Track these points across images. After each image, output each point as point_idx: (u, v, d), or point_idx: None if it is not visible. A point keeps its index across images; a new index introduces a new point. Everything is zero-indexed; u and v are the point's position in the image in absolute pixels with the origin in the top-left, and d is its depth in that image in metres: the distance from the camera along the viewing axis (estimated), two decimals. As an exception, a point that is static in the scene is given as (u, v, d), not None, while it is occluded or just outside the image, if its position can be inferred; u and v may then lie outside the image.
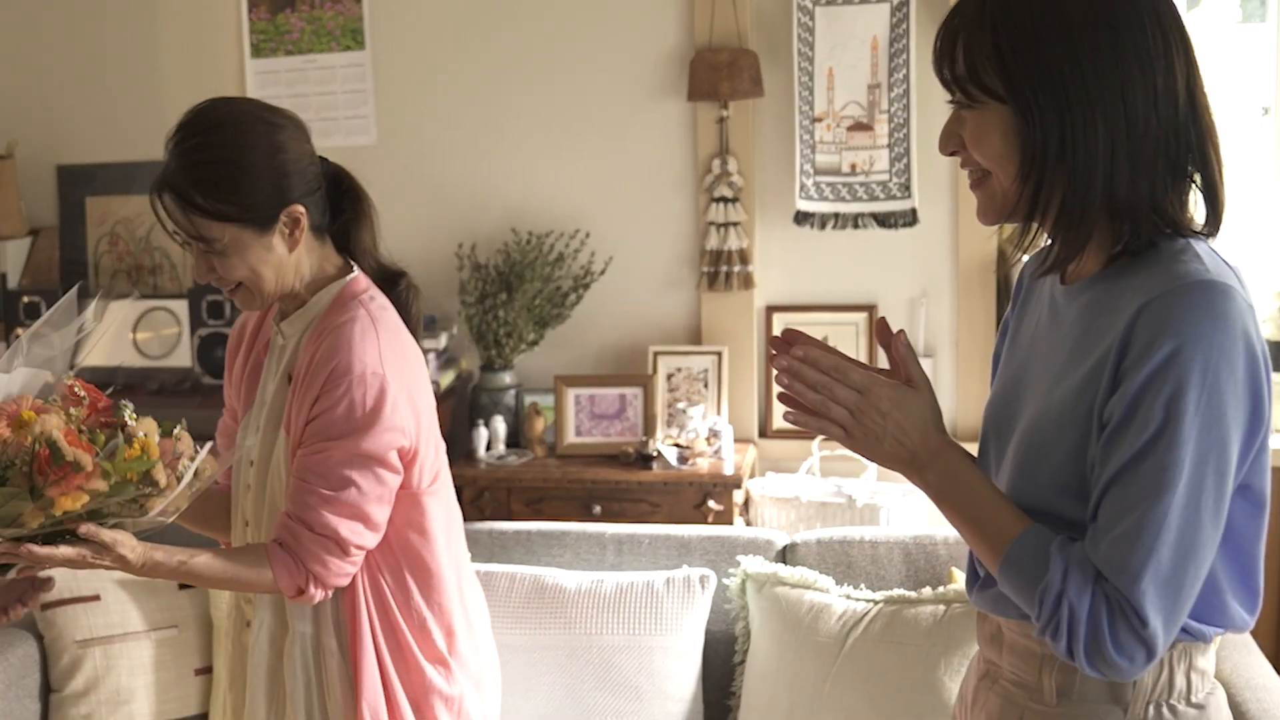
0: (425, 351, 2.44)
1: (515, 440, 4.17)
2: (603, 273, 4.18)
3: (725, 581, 3.25)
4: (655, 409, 4.05)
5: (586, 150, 4.24)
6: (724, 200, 4.08)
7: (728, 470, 3.83)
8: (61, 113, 4.58)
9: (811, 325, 4.07)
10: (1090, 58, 1.53)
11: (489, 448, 4.08)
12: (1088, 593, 1.51)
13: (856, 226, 4.06)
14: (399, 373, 2.22)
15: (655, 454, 3.91)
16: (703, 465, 3.87)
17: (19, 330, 4.32)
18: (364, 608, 2.27)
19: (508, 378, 4.18)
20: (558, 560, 3.38)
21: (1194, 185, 1.59)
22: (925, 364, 1.73)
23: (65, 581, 3.24)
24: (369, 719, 2.26)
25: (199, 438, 2.12)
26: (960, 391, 4.04)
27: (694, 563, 3.31)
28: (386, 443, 2.19)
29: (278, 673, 2.34)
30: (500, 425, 4.09)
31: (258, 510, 2.34)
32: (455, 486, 2.46)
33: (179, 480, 2.01)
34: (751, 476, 4.05)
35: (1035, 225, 1.66)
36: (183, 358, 4.33)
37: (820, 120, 4.03)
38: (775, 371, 1.68)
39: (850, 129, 4.02)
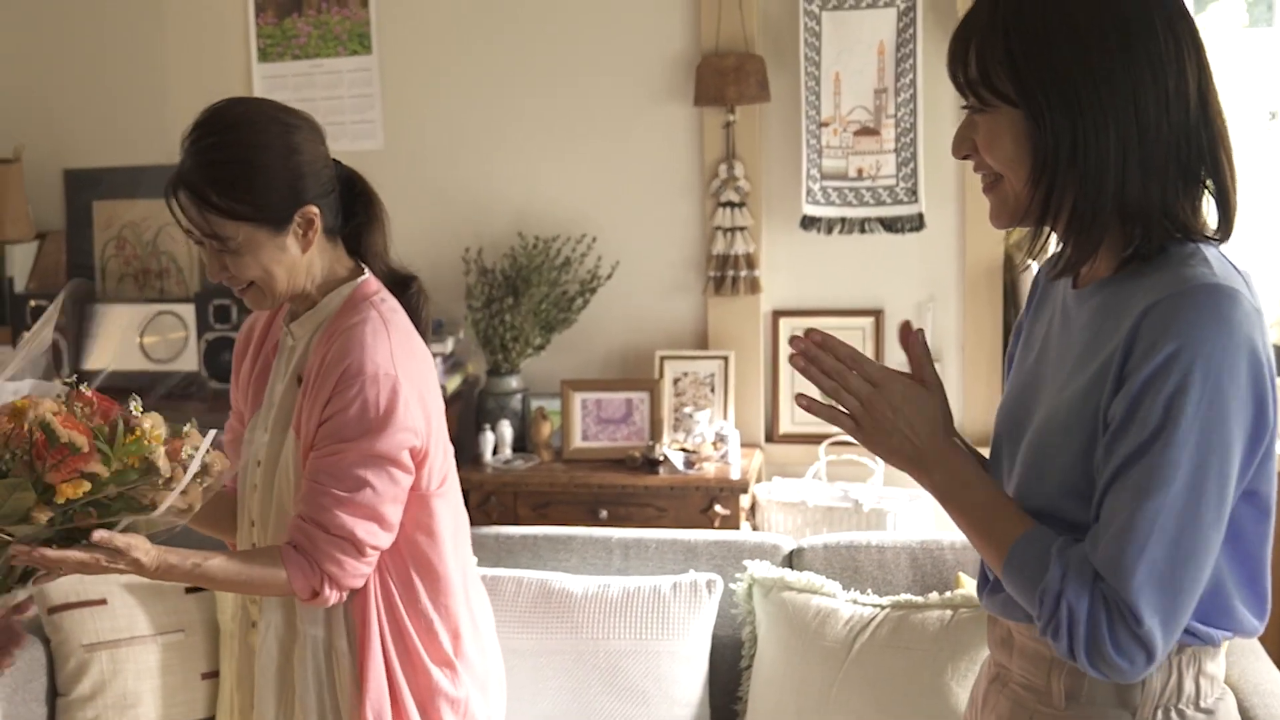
0: (432, 356, 2.44)
1: (522, 445, 4.16)
2: (609, 277, 4.18)
3: (732, 586, 3.25)
4: (662, 413, 4.05)
5: (593, 155, 4.24)
6: (730, 205, 4.07)
7: (734, 475, 3.83)
8: (68, 117, 4.59)
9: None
10: (1101, 62, 1.53)
11: (495, 452, 4.08)
12: (1086, 593, 1.51)
13: (863, 231, 4.06)
14: (411, 374, 2.23)
15: (662, 458, 3.90)
16: (709, 470, 3.86)
17: (26, 333, 4.32)
18: (374, 609, 2.28)
19: (514, 382, 4.18)
20: (564, 565, 3.38)
21: (1206, 190, 1.59)
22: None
23: (72, 585, 3.25)
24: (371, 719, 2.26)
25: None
26: (967, 395, 4.03)
27: (701, 567, 3.31)
28: (399, 443, 2.20)
29: (286, 675, 2.34)
30: (507, 430, 4.09)
31: (264, 511, 2.34)
32: (461, 491, 2.47)
33: (184, 470, 2.00)
34: (758, 481, 4.05)
35: (1047, 229, 1.67)
36: (189, 362, 4.33)
37: (827, 125, 4.03)
38: (792, 356, 1.69)
39: (857, 134, 4.01)
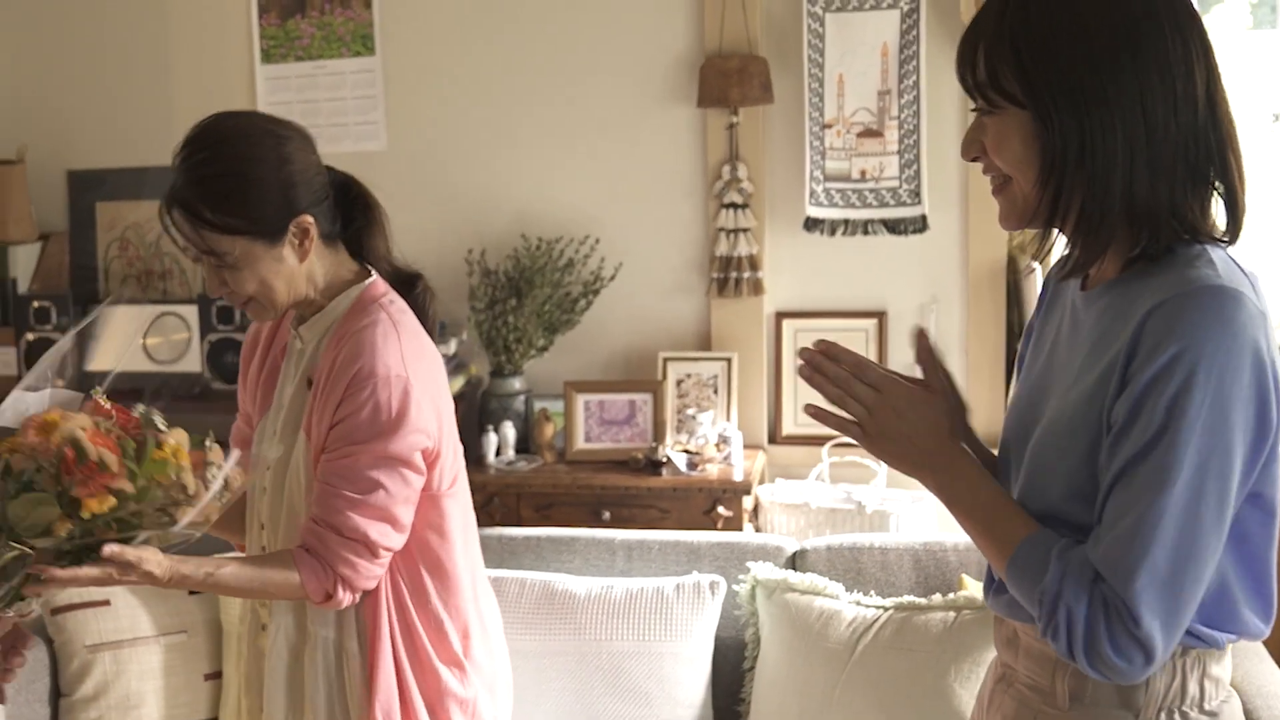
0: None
1: (525, 446, 4.16)
2: (612, 278, 4.18)
3: (735, 588, 3.25)
4: (665, 415, 4.05)
5: (596, 156, 4.24)
6: (734, 206, 4.07)
7: (737, 476, 3.83)
8: (72, 118, 4.59)
9: (821, 332, 4.07)
10: (1109, 63, 1.53)
11: (498, 453, 4.08)
12: (1084, 594, 1.51)
13: (866, 233, 4.06)
14: (422, 375, 2.23)
15: (664, 460, 3.90)
16: (712, 471, 3.86)
17: (29, 334, 4.33)
18: (384, 609, 2.28)
19: (517, 383, 4.18)
20: (567, 566, 3.38)
21: (1215, 191, 1.59)
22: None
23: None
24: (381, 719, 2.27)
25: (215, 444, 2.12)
26: (971, 397, 3.97)
27: (704, 569, 3.31)
28: (412, 444, 2.20)
29: (296, 676, 2.34)
30: (510, 431, 4.09)
31: (274, 513, 2.34)
32: (468, 490, 2.47)
33: (207, 488, 2.01)
34: (761, 483, 4.05)
35: (1055, 231, 1.67)
36: (193, 363, 4.33)
37: (830, 126, 4.03)
38: (799, 362, 1.70)
39: (860, 135, 4.01)
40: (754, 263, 4.09)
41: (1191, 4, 1.59)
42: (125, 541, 1.99)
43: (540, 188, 4.27)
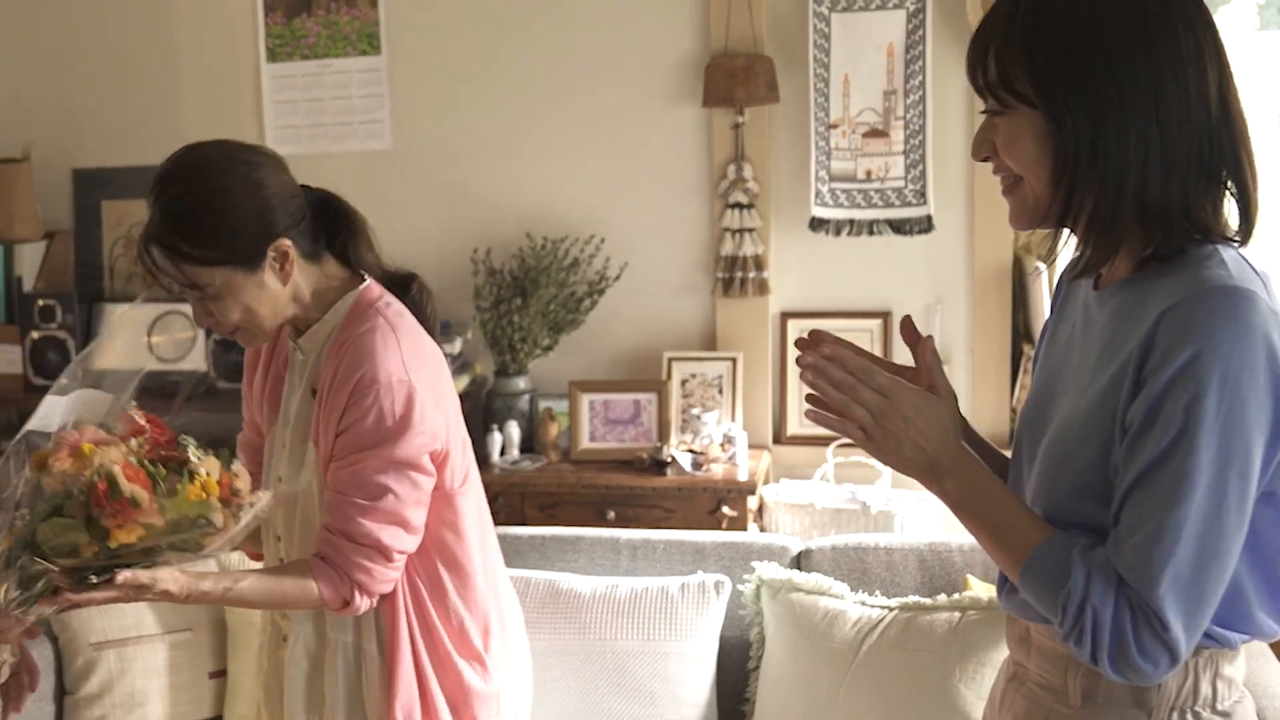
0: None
1: (529, 445, 4.16)
2: (617, 278, 4.18)
3: (740, 587, 3.25)
4: (669, 415, 4.05)
5: (601, 155, 4.24)
6: (739, 206, 4.07)
7: (742, 476, 3.82)
8: (77, 116, 4.59)
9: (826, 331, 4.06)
10: (1122, 62, 1.53)
11: (503, 453, 4.08)
12: (1111, 598, 1.50)
13: (871, 233, 4.06)
14: (424, 377, 2.23)
15: (669, 460, 3.90)
16: (717, 471, 3.86)
17: (34, 332, 4.33)
18: (403, 610, 2.29)
19: (522, 383, 4.18)
20: (572, 565, 3.38)
21: (1228, 191, 1.59)
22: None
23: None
24: (401, 719, 2.27)
25: (216, 442, 2.13)
26: (976, 397, 4.03)
27: (709, 568, 3.30)
28: (418, 447, 2.20)
29: (315, 683, 2.35)
30: (514, 430, 4.09)
31: (289, 524, 2.35)
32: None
33: (237, 520, 2.02)
34: (766, 483, 4.05)
35: (1065, 231, 1.66)
36: (197, 361, 4.33)
37: (836, 126, 4.03)
38: (800, 369, 1.68)
39: (866, 135, 4.01)
40: (759, 263, 4.09)
41: (1203, 3, 1.59)
42: (149, 565, 2.01)
43: (546, 187, 4.27)
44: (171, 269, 2.20)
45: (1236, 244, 1.59)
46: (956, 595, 3.06)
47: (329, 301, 2.32)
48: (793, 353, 4.13)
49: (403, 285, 2.40)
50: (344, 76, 4.37)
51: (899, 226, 4.03)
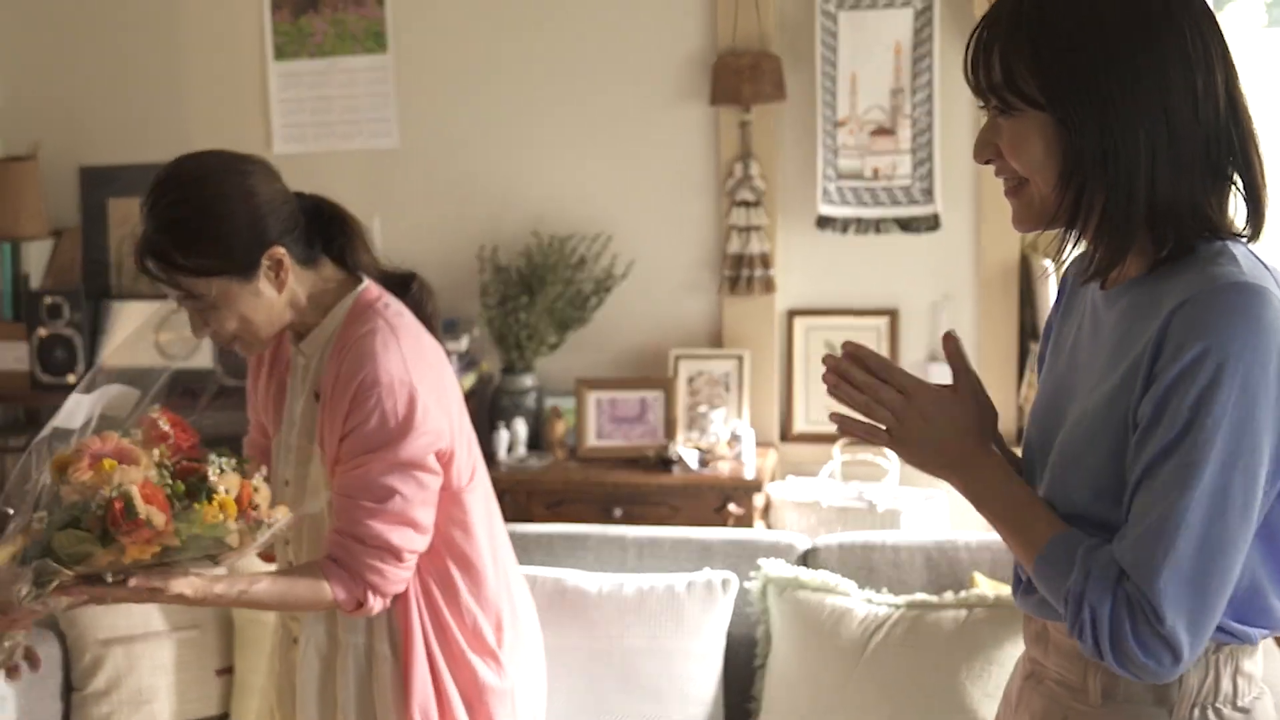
0: (446, 355, 2.45)
1: (536, 443, 4.16)
2: (624, 276, 4.18)
3: (746, 585, 3.25)
4: (676, 412, 4.05)
5: (608, 153, 4.24)
6: (746, 204, 4.07)
7: (748, 474, 3.82)
8: (84, 114, 4.60)
9: (833, 330, 4.08)
10: (1131, 63, 1.52)
11: (510, 450, 4.08)
12: (1109, 593, 1.50)
13: (878, 231, 4.06)
14: (425, 377, 2.24)
15: (676, 457, 3.90)
16: (723, 469, 3.86)
17: (41, 330, 4.33)
18: (415, 610, 2.30)
19: (529, 380, 4.18)
20: (579, 563, 3.37)
21: (1235, 188, 1.58)
22: (948, 368, 1.74)
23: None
24: (419, 718, 2.28)
25: (222, 441, 2.13)
26: (982, 396, 4.02)
27: (715, 566, 3.30)
28: (423, 447, 2.21)
29: (327, 685, 2.35)
30: (521, 428, 4.09)
31: (296, 528, 2.35)
32: (481, 484, 2.47)
33: (254, 538, 2.03)
34: (772, 480, 4.04)
35: (1074, 232, 1.65)
36: (204, 359, 4.34)
37: (843, 125, 4.02)
38: (824, 371, 1.68)
39: (873, 134, 4.01)
40: (766, 260, 4.08)
41: (1206, 1, 1.59)
42: (163, 570, 2.02)
43: (553, 184, 4.27)
44: (167, 279, 2.21)
45: (1245, 240, 1.59)
46: (963, 593, 3.06)
47: (327, 305, 2.32)
48: (800, 350, 4.13)
49: (402, 284, 2.40)
50: (351, 74, 4.37)
51: (906, 225, 4.03)
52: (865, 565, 3.24)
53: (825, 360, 1.71)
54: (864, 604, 3.11)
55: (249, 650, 3.32)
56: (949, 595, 3.06)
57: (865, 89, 4.00)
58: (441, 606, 2.32)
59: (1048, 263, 1.77)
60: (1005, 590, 3.03)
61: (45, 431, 2.09)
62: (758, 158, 4.07)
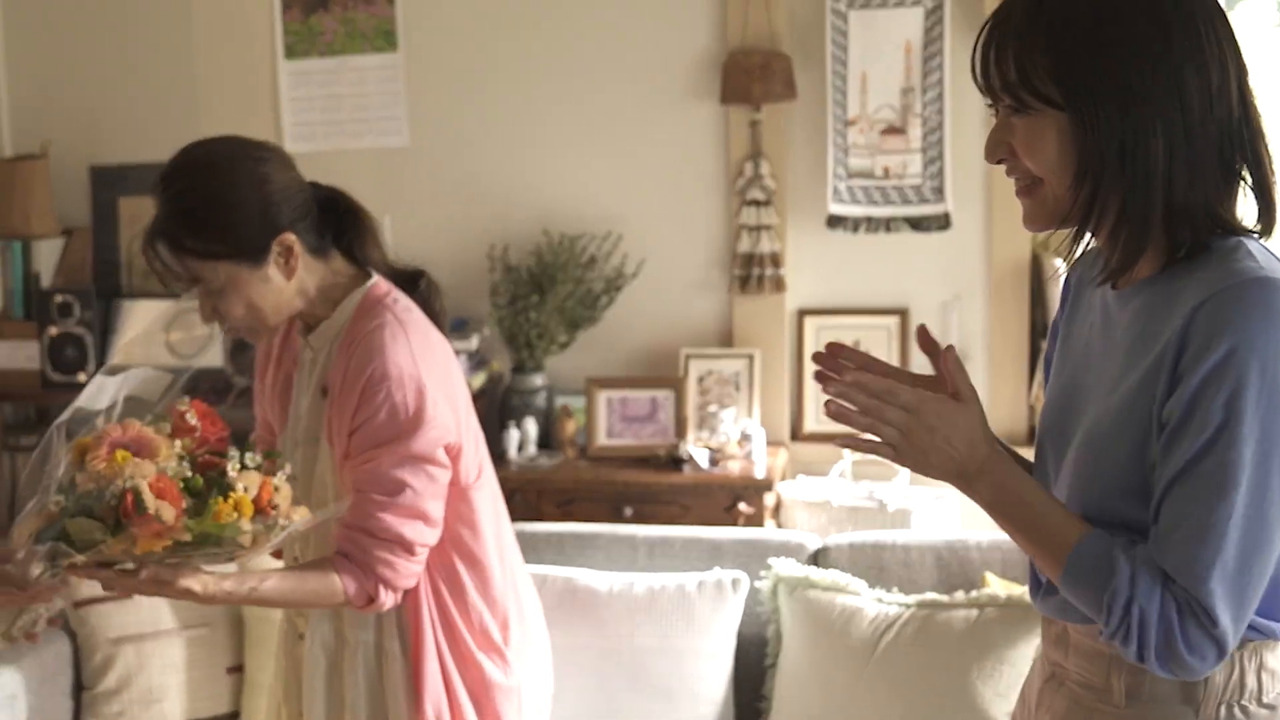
0: (456, 353, 2.45)
1: (546, 442, 4.16)
2: (634, 275, 4.18)
3: (757, 584, 3.24)
4: (686, 412, 4.05)
5: (619, 152, 4.24)
6: (756, 203, 4.07)
7: (759, 473, 3.82)
8: (94, 113, 4.60)
9: (843, 329, 4.07)
10: (1148, 62, 1.52)
11: (520, 449, 4.08)
12: (1157, 595, 1.50)
13: (889, 230, 4.05)
14: (434, 371, 2.24)
15: (686, 457, 3.90)
16: (734, 468, 3.86)
17: (52, 329, 4.34)
18: (425, 608, 2.30)
19: (539, 379, 4.18)
20: (589, 562, 3.37)
21: (1245, 185, 1.58)
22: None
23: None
24: (432, 717, 2.27)
25: (236, 440, 2.13)
26: (994, 395, 4.02)
27: (726, 565, 3.30)
28: (433, 440, 2.21)
29: (335, 683, 2.35)
30: (531, 427, 4.09)
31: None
32: (486, 485, 2.47)
33: (269, 538, 2.02)
34: (782, 479, 4.04)
35: (1089, 232, 1.64)
36: (214, 358, 4.34)
37: (853, 124, 4.02)
38: (821, 387, 1.67)
39: (883, 133, 4.01)
40: (776, 260, 4.08)
41: None
42: (173, 565, 2.02)
43: (563, 184, 4.27)
44: (175, 264, 2.21)
45: (1257, 236, 1.59)
46: (974, 593, 3.05)
47: (336, 298, 2.32)
48: (810, 350, 4.12)
49: (410, 281, 2.41)
50: (361, 73, 4.37)
51: (916, 224, 4.03)
52: (876, 565, 3.23)
53: (818, 368, 1.69)
54: (874, 603, 3.10)
55: (259, 648, 3.32)
56: (960, 595, 3.06)
57: (876, 88, 3.99)
58: (449, 604, 2.32)
59: (1059, 262, 1.76)
60: (1016, 590, 3.02)
61: (67, 413, 2.09)
62: (768, 157, 4.07)
